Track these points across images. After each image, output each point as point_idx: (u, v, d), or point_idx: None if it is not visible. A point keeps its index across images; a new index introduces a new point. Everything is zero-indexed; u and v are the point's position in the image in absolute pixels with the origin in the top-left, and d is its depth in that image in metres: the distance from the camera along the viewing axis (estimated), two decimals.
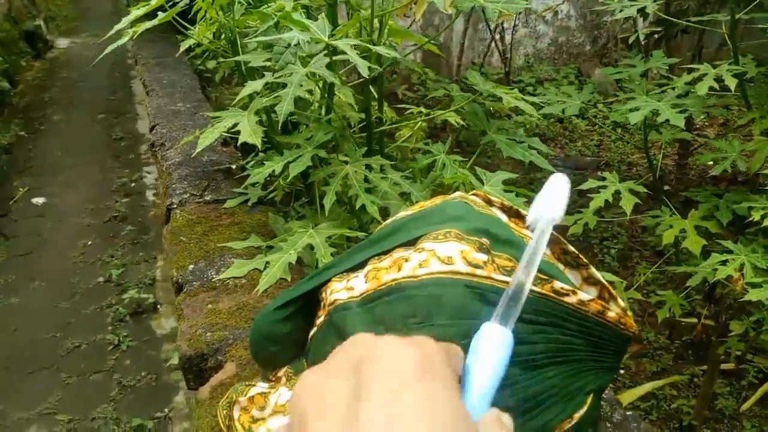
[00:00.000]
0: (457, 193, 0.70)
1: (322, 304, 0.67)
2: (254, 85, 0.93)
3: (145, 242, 3.18)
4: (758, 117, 1.61)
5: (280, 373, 0.72)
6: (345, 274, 0.66)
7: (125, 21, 0.99)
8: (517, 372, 0.55)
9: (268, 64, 0.99)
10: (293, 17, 0.80)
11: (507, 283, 0.56)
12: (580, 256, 0.64)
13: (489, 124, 1.06)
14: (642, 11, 1.81)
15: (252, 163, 1.23)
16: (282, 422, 0.65)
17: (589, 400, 0.59)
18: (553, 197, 0.52)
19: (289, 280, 0.88)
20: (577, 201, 2.54)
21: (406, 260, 0.59)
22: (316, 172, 0.93)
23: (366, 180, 0.94)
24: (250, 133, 0.95)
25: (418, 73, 3.60)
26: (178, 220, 1.16)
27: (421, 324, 0.54)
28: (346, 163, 0.95)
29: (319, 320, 0.66)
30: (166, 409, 2.57)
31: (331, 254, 0.87)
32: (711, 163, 2.08)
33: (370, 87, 1.07)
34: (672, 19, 1.95)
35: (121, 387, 2.58)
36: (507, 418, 0.38)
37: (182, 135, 1.54)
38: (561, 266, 0.64)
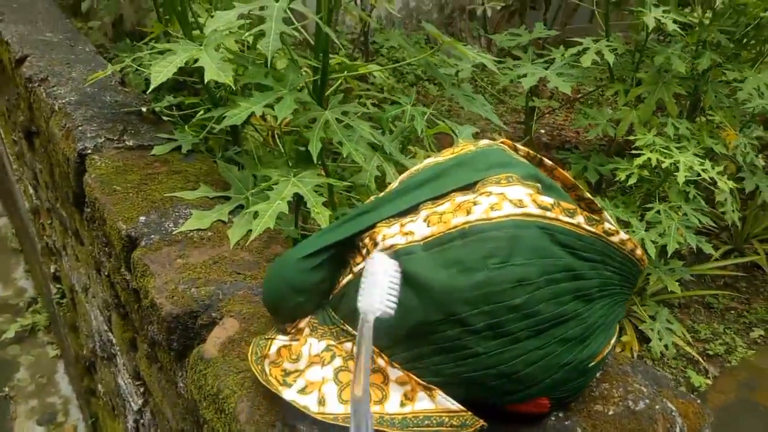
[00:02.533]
0: (486, 141, 0.72)
1: (362, 251, 0.65)
2: (226, 17, 0.83)
3: None
4: (622, 90, 1.85)
5: (302, 324, 0.68)
6: (392, 219, 0.64)
7: None
8: (579, 306, 0.60)
9: None
10: None
11: (574, 225, 0.60)
12: (594, 201, 0.70)
13: (445, 78, 1.08)
14: None
15: (206, 109, 1.10)
16: (321, 373, 0.63)
17: (617, 328, 0.66)
18: (370, 288, 0.54)
19: (272, 227, 0.82)
20: None
21: (475, 204, 0.60)
22: (297, 116, 0.88)
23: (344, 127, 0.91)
24: (216, 71, 0.86)
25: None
26: (100, 168, 1.01)
27: (503, 264, 0.56)
28: (324, 109, 0.90)
29: (360, 267, 0.64)
30: (6, 388, 2.25)
31: (323, 204, 0.83)
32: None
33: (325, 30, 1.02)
34: None
35: None
36: None
37: (67, 70, 1.32)
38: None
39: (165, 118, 1.26)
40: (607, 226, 0.62)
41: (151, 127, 1.15)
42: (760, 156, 2.13)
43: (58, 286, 1.89)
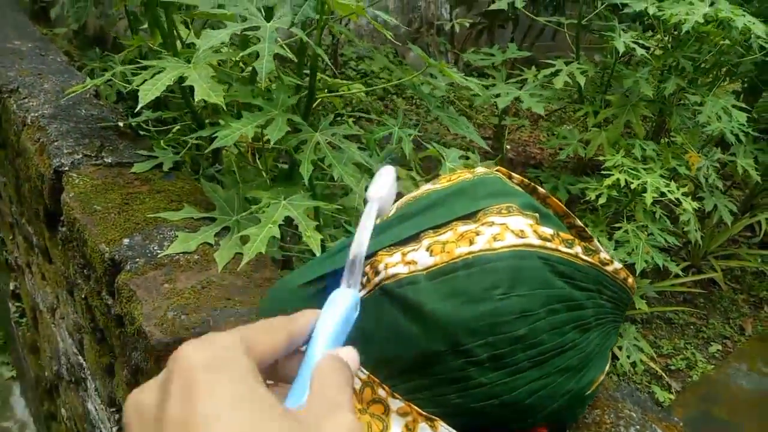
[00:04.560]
0: (482, 169, 0.72)
1: (362, 279, 0.65)
2: (218, 36, 0.82)
3: None
4: (591, 111, 1.91)
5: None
6: (393, 247, 0.64)
7: None
8: (578, 336, 0.61)
9: (217, 11, 0.88)
10: None
11: (572, 255, 0.62)
12: (585, 229, 0.72)
13: (431, 99, 1.09)
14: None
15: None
16: None
17: (610, 355, 0.68)
18: (379, 183, 0.56)
19: (263, 252, 0.81)
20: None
21: (477, 234, 0.60)
22: (288, 138, 0.87)
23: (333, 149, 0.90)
24: (207, 91, 0.84)
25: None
26: (79, 186, 0.97)
27: (506, 295, 0.57)
28: (314, 130, 0.90)
29: (359, 295, 0.64)
30: None
31: (315, 228, 0.83)
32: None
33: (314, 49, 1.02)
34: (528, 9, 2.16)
35: None
36: (347, 351, 0.36)
37: (39, 81, 1.28)
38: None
39: (141, 133, 1.23)
40: (602, 255, 0.64)
41: (129, 143, 1.12)
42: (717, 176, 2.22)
43: (18, 304, 1.82)
